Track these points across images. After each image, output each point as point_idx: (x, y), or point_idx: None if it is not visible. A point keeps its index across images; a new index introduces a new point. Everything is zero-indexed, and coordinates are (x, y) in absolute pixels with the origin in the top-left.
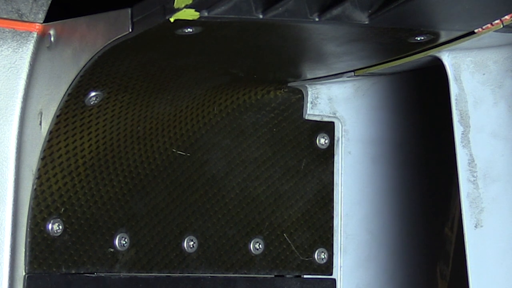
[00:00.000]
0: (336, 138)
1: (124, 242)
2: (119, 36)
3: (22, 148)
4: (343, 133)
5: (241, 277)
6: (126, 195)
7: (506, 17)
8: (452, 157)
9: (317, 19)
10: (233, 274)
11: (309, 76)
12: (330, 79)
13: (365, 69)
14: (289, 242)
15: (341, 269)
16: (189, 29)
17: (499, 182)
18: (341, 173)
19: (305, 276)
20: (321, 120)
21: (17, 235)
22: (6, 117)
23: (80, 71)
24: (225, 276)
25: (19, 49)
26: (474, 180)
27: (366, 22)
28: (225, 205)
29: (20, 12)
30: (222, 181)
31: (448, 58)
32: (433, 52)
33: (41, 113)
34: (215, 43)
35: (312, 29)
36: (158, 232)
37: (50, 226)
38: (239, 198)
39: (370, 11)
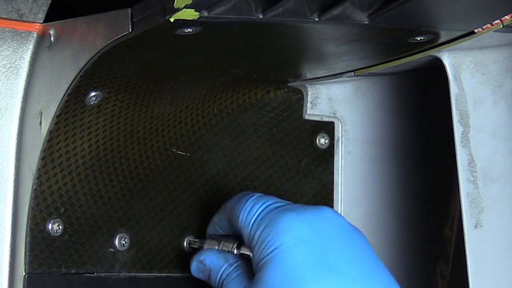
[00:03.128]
0: (336, 138)
1: (124, 242)
2: (119, 36)
3: (22, 148)
4: (343, 133)
5: None
6: (126, 195)
7: (506, 17)
8: (452, 157)
9: (317, 19)
10: None
11: (309, 76)
12: (330, 79)
13: (365, 69)
14: None
15: None
16: (189, 29)
17: (499, 182)
18: (341, 173)
19: None
20: (321, 120)
21: (17, 235)
22: (6, 117)
23: (80, 71)
24: None
25: (19, 49)
26: (474, 180)
27: (366, 22)
28: None
29: (20, 12)
30: (222, 181)
31: (448, 58)
32: (433, 52)
33: (41, 113)
34: (215, 43)
35: (312, 29)
36: (158, 232)
37: (50, 226)
38: None
39: (370, 11)
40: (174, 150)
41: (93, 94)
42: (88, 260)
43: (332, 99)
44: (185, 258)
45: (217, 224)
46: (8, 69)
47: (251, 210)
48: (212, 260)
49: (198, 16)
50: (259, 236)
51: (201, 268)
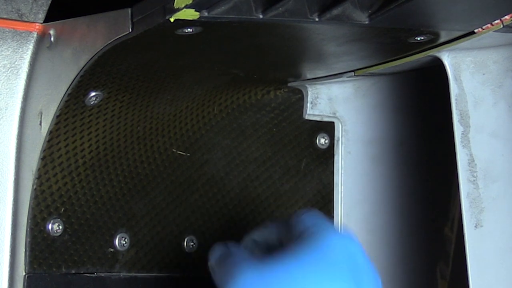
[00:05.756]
0: (336, 138)
1: (124, 242)
2: (119, 36)
3: (22, 148)
4: (343, 133)
5: None
6: (126, 195)
7: (506, 17)
8: (452, 157)
9: (317, 19)
10: None
11: (309, 76)
12: (330, 79)
13: (365, 69)
14: None
15: None
16: (189, 29)
17: (499, 182)
18: (341, 173)
19: None
20: (321, 120)
21: (17, 235)
22: (6, 117)
23: (80, 71)
24: None
25: (19, 49)
26: (474, 180)
27: (366, 22)
28: (225, 205)
29: (20, 12)
30: (222, 181)
31: (448, 58)
32: (433, 52)
33: (41, 113)
34: (215, 43)
35: (312, 29)
36: (158, 232)
37: (50, 226)
38: (239, 198)
39: (370, 11)
40: (174, 150)
41: (93, 94)
42: (88, 260)
43: (332, 99)
44: (185, 258)
45: (256, 236)
46: (8, 69)
47: (310, 214)
48: (236, 247)
49: (198, 16)
50: (311, 224)
51: (224, 250)
